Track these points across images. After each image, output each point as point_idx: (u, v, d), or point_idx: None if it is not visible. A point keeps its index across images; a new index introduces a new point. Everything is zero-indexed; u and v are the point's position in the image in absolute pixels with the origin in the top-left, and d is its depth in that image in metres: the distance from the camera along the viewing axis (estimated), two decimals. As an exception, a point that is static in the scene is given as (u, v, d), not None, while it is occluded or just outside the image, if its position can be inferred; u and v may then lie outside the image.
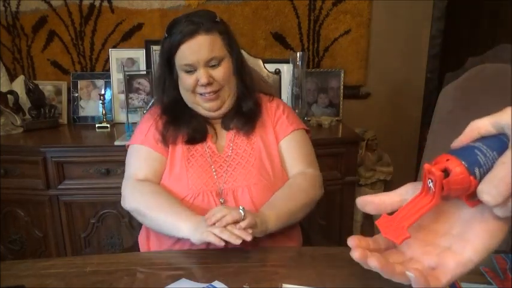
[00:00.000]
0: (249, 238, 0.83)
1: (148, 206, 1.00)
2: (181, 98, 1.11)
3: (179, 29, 1.02)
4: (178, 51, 1.03)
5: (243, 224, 0.85)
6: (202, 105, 1.08)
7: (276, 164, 1.10)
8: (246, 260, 0.87)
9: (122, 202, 1.07)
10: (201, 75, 1.03)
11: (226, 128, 1.13)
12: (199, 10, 1.11)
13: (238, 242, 0.82)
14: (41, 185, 1.69)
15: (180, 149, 1.08)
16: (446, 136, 1.40)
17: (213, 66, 1.04)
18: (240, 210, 0.87)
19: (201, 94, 1.06)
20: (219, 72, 1.05)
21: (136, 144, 1.10)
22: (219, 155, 1.09)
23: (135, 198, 1.03)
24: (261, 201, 1.02)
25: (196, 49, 1.02)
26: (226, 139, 1.12)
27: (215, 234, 0.83)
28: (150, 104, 1.82)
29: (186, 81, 1.05)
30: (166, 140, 1.08)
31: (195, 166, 1.06)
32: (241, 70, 1.11)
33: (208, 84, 1.04)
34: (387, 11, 2.11)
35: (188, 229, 0.91)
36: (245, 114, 1.11)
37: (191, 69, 1.04)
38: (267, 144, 1.12)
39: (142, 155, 1.08)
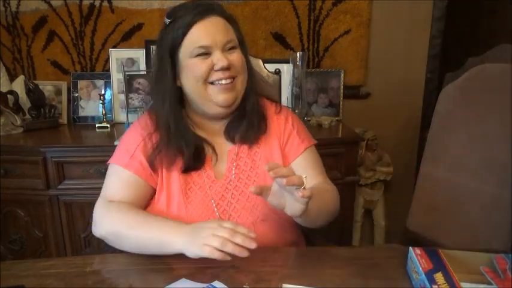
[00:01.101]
0: (253, 246, 0.74)
1: (129, 225, 0.88)
2: (179, 111, 0.97)
3: (188, 10, 0.91)
4: (189, 34, 0.91)
5: (306, 192, 0.75)
6: (216, 99, 0.93)
7: None
8: (246, 260, 0.87)
9: (92, 228, 0.94)
10: (219, 57, 0.90)
11: (231, 138, 1.01)
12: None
13: (245, 254, 0.73)
14: (41, 185, 1.69)
15: (177, 180, 0.96)
16: (446, 136, 1.41)
17: (230, 50, 0.93)
18: (304, 178, 0.76)
19: (213, 83, 0.93)
20: (236, 57, 0.93)
21: (119, 166, 0.96)
22: (219, 183, 0.98)
23: (110, 220, 0.90)
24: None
25: (212, 29, 0.91)
26: (227, 161, 1.00)
27: (216, 248, 0.73)
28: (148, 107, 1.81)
29: (197, 67, 0.91)
30: (156, 166, 0.96)
31: (195, 202, 0.95)
32: (249, 65, 1.00)
33: (227, 68, 0.92)
34: (387, 11, 2.10)
35: (183, 242, 0.79)
36: (249, 117, 0.99)
37: (206, 52, 0.91)
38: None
39: (124, 180, 0.95)
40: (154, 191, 0.98)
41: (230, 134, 1.01)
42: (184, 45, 0.92)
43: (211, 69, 0.92)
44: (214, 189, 0.97)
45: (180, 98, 0.98)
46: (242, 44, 0.98)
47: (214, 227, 0.77)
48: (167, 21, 0.94)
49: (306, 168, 1.01)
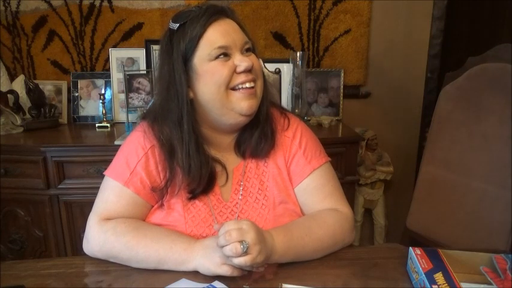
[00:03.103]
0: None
1: (129, 247, 0.82)
2: (197, 132, 0.88)
3: (199, 12, 0.84)
4: (205, 35, 0.83)
5: (236, 260, 0.73)
6: (239, 107, 0.85)
7: (294, 213, 0.93)
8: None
9: (84, 245, 0.88)
10: (242, 58, 0.84)
11: (241, 152, 0.94)
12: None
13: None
14: (41, 184, 1.69)
15: (180, 195, 0.90)
16: (446, 136, 1.41)
17: (247, 52, 0.87)
18: (242, 246, 0.72)
19: (234, 89, 0.85)
20: (254, 59, 0.87)
21: (118, 182, 0.89)
22: (225, 204, 0.92)
23: (105, 243, 0.84)
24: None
25: (228, 30, 0.85)
26: (233, 181, 0.94)
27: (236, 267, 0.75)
28: (149, 106, 1.79)
29: (219, 71, 0.83)
30: (162, 192, 0.89)
31: (196, 219, 0.89)
32: (262, 70, 0.93)
33: (250, 70, 0.85)
34: (387, 11, 2.10)
35: (198, 261, 0.79)
36: (262, 127, 0.92)
37: (226, 53, 0.84)
38: (280, 188, 0.93)
39: (122, 198, 0.88)
40: (153, 206, 0.92)
41: (241, 148, 0.94)
42: (201, 48, 0.84)
43: (234, 72, 0.84)
44: (219, 210, 0.91)
45: (191, 112, 0.88)
46: (254, 50, 0.92)
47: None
48: (175, 25, 0.85)
49: (311, 194, 0.94)
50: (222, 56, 0.84)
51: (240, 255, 0.72)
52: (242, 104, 0.85)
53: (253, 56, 0.88)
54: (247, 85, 0.85)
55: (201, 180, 0.87)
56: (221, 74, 0.83)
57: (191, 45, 0.84)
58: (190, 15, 0.85)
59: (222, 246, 0.73)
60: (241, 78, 0.85)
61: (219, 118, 0.88)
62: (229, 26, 0.86)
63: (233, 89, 0.86)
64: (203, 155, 0.88)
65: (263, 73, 0.92)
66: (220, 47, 0.83)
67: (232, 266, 0.76)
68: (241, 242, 0.72)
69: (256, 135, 0.92)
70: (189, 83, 0.86)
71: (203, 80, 0.85)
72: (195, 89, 0.87)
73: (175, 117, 0.86)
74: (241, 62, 0.84)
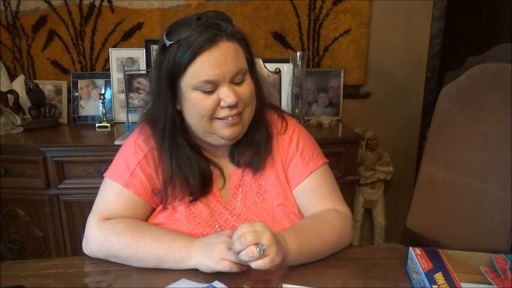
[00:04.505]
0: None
1: (129, 246, 0.82)
2: (180, 140, 0.89)
3: (193, 33, 0.79)
4: (194, 64, 0.79)
5: (254, 264, 0.71)
6: (220, 133, 0.85)
7: (293, 215, 0.92)
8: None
9: (84, 245, 0.88)
10: (227, 93, 0.80)
11: (235, 161, 0.94)
12: (211, 11, 0.85)
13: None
14: (41, 184, 1.69)
15: (183, 203, 0.91)
16: (446, 136, 1.41)
17: (238, 83, 0.83)
18: (259, 249, 0.70)
19: (220, 119, 0.84)
20: (244, 90, 0.84)
21: (118, 183, 0.89)
22: (224, 206, 0.93)
23: (105, 242, 0.84)
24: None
25: (221, 60, 0.79)
26: (231, 185, 0.94)
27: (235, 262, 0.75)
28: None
29: (202, 103, 0.82)
30: (160, 194, 0.89)
31: (198, 219, 0.90)
32: (260, 87, 0.91)
33: (235, 105, 0.82)
34: (387, 11, 2.10)
35: (197, 258, 0.79)
36: (257, 147, 0.92)
37: (211, 89, 0.81)
38: (278, 191, 0.93)
39: (122, 198, 0.88)
40: (155, 209, 0.93)
41: (235, 158, 0.94)
42: (188, 75, 0.81)
43: (218, 105, 0.82)
44: (219, 212, 0.92)
45: (181, 121, 0.89)
46: (252, 65, 0.88)
47: (228, 241, 0.76)
48: (168, 42, 0.81)
49: (309, 195, 0.94)
50: (207, 90, 0.81)
51: (258, 258, 0.71)
52: (224, 131, 0.85)
53: (244, 85, 0.84)
54: (230, 119, 0.84)
55: (193, 188, 0.89)
56: (204, 106, 0.82)
57: (179, 69, 0.81)
58: (185, 33, 0.79)
59: (238, 252, 0.72)
60: (225, 112, 0.83)
61: (203, 138, 0.89)
62: (222, 54, 0.79)
63: (217, 117, 0.85)
64: (188, 161, 0.88)
65: (257, 89, 0.90)
66: (206, 81, 0.80)
67: (231, 261, 0.75)
68: (256, 244, 0.71)
69: (250, 153, 0.92)
70: (178, 98, 0.86)
71: (187, 105, 0.84)
72: (182, 106, 0.87)
73: (160, 123, 0.87)
74: (226, 97, 0.81)
